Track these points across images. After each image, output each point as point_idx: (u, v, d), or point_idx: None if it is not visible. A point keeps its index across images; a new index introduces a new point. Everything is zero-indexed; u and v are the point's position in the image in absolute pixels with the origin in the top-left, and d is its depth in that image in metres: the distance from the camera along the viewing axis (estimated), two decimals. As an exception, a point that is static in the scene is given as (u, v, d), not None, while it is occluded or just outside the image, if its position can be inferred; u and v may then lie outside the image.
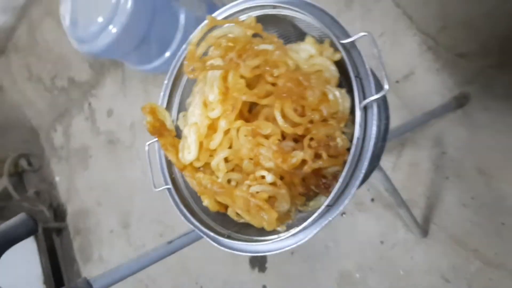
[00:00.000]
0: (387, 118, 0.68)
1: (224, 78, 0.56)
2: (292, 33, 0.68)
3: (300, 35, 0.67)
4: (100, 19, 1.27)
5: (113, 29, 1.27)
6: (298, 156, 0.54)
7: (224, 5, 0.66)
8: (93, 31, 1.29)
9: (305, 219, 0.62)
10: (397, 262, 1.18)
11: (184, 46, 0.69)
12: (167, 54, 1.44)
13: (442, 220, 1.14)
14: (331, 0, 1.41)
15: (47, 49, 2.31)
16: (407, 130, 1.11)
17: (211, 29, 0.57)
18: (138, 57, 1.46)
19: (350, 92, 0.59)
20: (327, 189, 0.58)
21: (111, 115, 2.08)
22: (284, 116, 0.55)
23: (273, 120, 0.57)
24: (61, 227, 2.18)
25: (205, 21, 0.59)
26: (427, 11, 1.24)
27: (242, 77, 0.55)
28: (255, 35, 0.59)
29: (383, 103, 0.67)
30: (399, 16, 1.28)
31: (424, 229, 1.14)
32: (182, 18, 1.41)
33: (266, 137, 0.57)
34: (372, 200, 1.25)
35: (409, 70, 1.24)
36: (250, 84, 0.56)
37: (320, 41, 0.63)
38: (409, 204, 1.07)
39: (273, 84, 0.55)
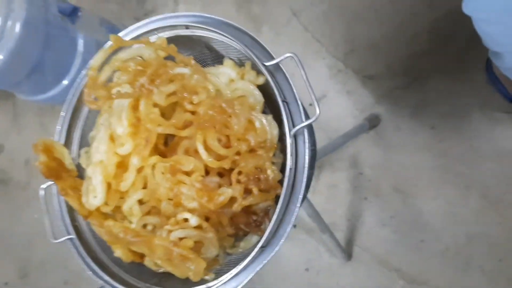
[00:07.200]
0: (314, 144, 0.64)
1: (134, 108, 0.48)
2: (208, 56, 0.62)
3: (217, 58, 0.61)
4: (-18, 45, 1.10)
5: (-2, 56, 1.11)
6: (226, 193, 0.47)
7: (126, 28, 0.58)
8: (-26, 58, 1.11)
9: (235, 262, 0.55)
10: (323, 289, 1.15)
11: (83, 72, 0.59)
12: (65, 82, 1.30)
13: (364, 241, 1.13)
14: (239, 24, 1.38)
15: None
16: (326, 153, 1.10)
17: (115, 51, 0.49)
18: (30, 86, 1.30)
19: (276, 118, 0.54)
20: (258, 227, 0.52)
21: (1, 151, 1.85)
22: (207, 148, 0.48)
23: (194, 154, 0.50)
24: None
25: (109, 42, 0.51)
26: (334, 35, 1.26)
27: (155, 105, 0.48)
28: (168, 58, 0.52)
29: (309, 129, 0.63)
30: (308, 40, 1.28)
31: (347, 252, 1.12)
32: (80, 43, 1.28)
33: (187, 173, 0.49)
34: (295, 226, 1.22)
35: (321, 93, 1.24)
36: (166, 114, 0.49)
37: (240, 64, 0.58)
38: (331, 228, 1.05)
39: (193, 113, 0.48)
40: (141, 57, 0.48)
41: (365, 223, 1.14)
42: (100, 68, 0.48)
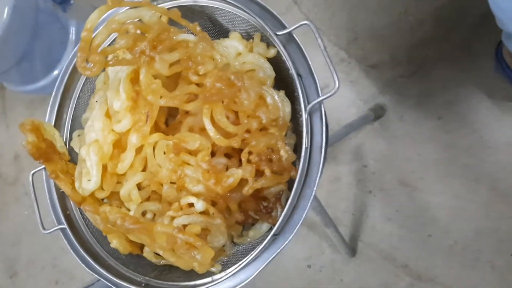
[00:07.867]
0: (327, 126, 0.59)
1: (134, 79, 0.43)
2: (211, 30, 0.57)
3: (221, 33, 0.56)
4: (-31, 32, 1.05)
5: (-15, 44, 1.06)
6: (236, 174, 0.42)
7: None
8: (-39, 46, 1.06)
9: (243, 253, 0.50)
10: (326, 286, 1.10)
11: (76, 48, 0.54)
12: (55, 72, 1.25)
13: (369, 236, 1.08)
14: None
15: None
16: (329, 144, 1.05)
17: (113, 12, 0.44)
18: (19, 76, 1.25)
19: (287, 96, 0.50)
20: (269, 214, 0.48)
21: (-12, 146, 1.78)
22: (214, 124, 0.43)
23: (200, 132, 0.45)
24: None
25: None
26: (336, 23, 1.22)
27: (156, 77, 0.43)
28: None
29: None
30: (309, 28, 1.23)
31: (351, 248, 1.08)
32: (72, 31, 1.23)
33: (192, 153, 0.44)
34: (296, 221, 1.17)
35: (323, 83, 1.19)
36: (168, 86, 0.44)
37: (247, 37, 0.53)
38: (334, 223, 1.00)
39: (198, 85, 0.43)
40: (141, 20, 0.43)
41: (370, 217, 1.10)
42: (96, 30, 0.43)
